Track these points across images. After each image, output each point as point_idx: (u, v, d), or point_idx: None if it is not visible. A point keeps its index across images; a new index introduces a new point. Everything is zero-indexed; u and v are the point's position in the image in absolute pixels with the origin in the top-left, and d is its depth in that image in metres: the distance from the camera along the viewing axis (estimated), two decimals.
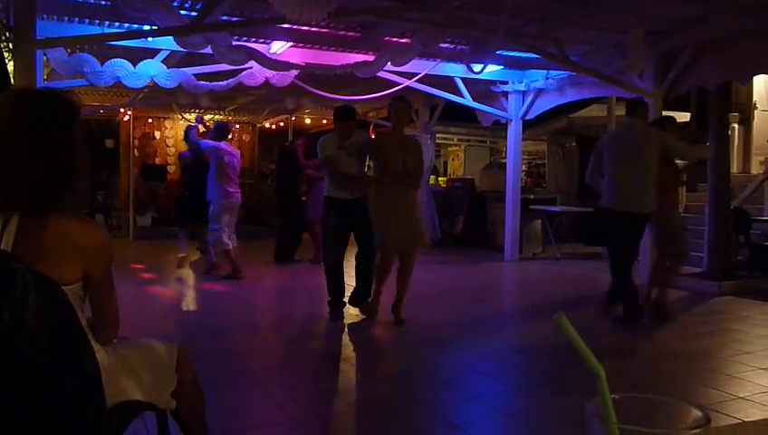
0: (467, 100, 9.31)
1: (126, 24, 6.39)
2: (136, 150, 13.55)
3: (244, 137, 15.31)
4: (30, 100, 1.77)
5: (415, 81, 8.28)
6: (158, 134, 14.11)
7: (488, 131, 14.11)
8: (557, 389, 3.79)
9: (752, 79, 8.80)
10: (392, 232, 5.26)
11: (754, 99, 10.96)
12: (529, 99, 9.52)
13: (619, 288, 5.48)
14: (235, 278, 7.52)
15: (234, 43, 6.31)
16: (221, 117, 14.05)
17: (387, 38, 7.08)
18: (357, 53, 7.47)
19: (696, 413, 0.60)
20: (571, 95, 8.98)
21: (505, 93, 9.74)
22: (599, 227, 5.50)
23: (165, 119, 14.02)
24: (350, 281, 5.78)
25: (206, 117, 14.08)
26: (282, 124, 14.84)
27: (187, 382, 2.03)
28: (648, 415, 0.61)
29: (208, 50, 6.11)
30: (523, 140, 10.41)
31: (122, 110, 12.65)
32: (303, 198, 9.34)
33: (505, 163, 10.62)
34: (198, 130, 8.62)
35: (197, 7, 5.95)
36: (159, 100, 11.08)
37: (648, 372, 4.26)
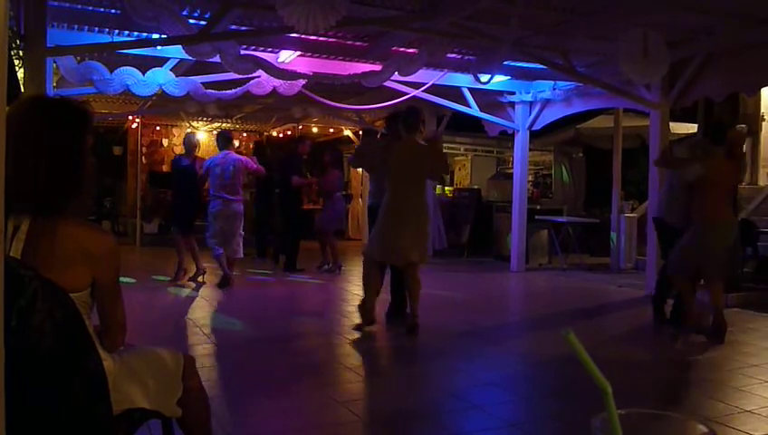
0: (474, 110, 9.32)
1: (135, 33, 6.44)
2: (143, 158, 13.64)
3: (251, 145, 15.38)
4: (44, 105, 1.79)
5: (422, 90, 8.30)
6: (165, 142, 14.23)
7: (495, 141, 14.13)
8: (562, 400, 3.78)
9: (759, 90, 8.76)
10: None
11: (762, 110, 10.90)
12: (536, 109, 9.52)
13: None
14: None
15: (242, 52, 6.34)
16: (228, 125, 14.11)
17: (394, 48, 7.10)
18: (364, 62, 7.49)
19: (702, 429, 0.60)
20: (578, 106, 8.98)
21: (512, 104, 9.75)
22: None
23: (173, 126, 14.12)
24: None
25: (214, 125, 14.17)
26: (289, 133, 14.89)
27: (193, 390, 2.03)
28: (654, 430, 0.61)
29: (217, 59, 6.14)
30: (530, 150, 10.41)
31: (131, 117, 12.73)
32: (305, 207, 9.42)
33: (512, 173, 10.61)
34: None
35: (206, 16, 5.99)
36: (167, 108, 11.14)
37: (654, 384, 4.24)
